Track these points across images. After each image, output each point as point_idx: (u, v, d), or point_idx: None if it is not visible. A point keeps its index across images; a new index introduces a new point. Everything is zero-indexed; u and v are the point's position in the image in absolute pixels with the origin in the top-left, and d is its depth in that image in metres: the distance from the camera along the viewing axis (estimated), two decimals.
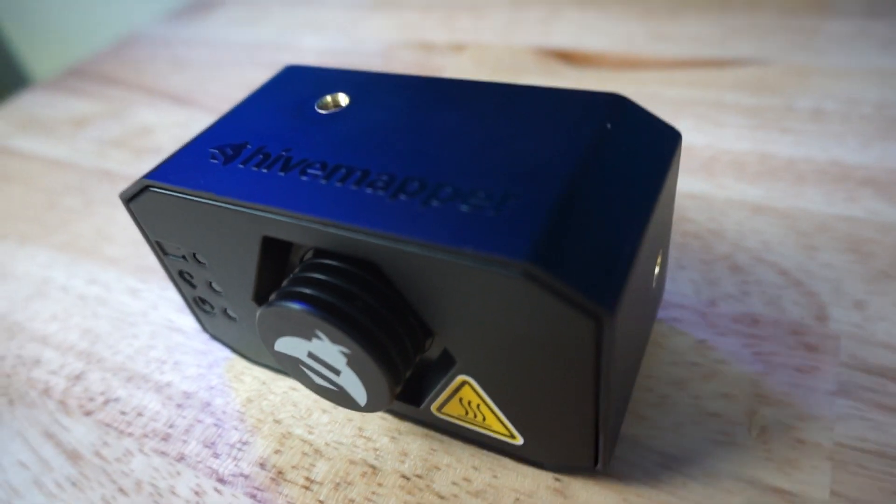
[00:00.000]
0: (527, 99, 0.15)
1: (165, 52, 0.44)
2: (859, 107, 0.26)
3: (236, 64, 0.40)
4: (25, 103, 0.41)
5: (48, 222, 0.29)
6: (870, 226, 0.21)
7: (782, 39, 0.32)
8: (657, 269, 0.16)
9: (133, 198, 0.16)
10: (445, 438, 0.17)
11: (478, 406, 0.15)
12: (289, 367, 0.15)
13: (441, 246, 0.12)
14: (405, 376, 0.14)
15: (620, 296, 0.11)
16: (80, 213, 0.29)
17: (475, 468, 0.16)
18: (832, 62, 0.30)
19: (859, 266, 0.20)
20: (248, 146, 0.15)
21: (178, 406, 0.19)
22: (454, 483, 0.16)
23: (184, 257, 0.17)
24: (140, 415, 0.19)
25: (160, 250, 0.17)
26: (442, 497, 0.16)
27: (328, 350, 0.14)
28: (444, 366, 0.15)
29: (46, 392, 0.20)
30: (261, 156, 0.15)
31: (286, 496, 0.16)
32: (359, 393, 0.15)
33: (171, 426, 0.19)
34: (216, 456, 0.18)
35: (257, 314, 0.14)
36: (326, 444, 0.17)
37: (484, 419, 0.15)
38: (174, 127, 0.35)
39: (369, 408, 0.15)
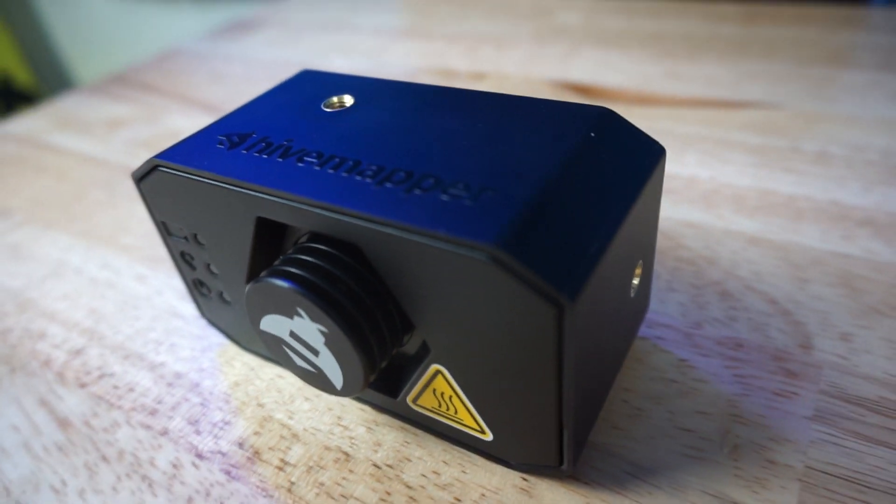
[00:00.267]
0: (519, 107, 0.16)
1: (203, 65, 0.47)
2: (865, 153, 0.27)
3: (268, 80, 0.42)
4: (68, 104, 0.43)
5: (73, 211, 0.30)
6: (864, 264, 0.21)
7: (796, 86, 0.33)
8: (636, 281, 0.16)
9: (143, 177, 0.17)
10: (420, 432, 0.17)
11: (450, 398, 0.15)
12: (273, 348, 0.16)
13: (416, 228, 0.12)
14: (381, 362, 0.15)
15: (583, 286, 0.12)
16: (103, 205, 0.30)
17: (445, 462, 0.16)
18: (842, 110, 0.30)
19: (850, 301, 0.20)
20: (254, 135, 0.16)
21: (169, 385, 0.20)
22: (423, 475, 0.16)
23: (186, 238, 0.18)
24: (131, 390, 0.20)
25: (165, 230, 0.18)
26: (410, 487, 0.16)
27: (308, 329, 0.14)
28: (421, 356, 0.15)
29: (47, 364, 0.21)
30: (263, 144, 0.16)
31: (259, 475, 0.17)
32: (335, 375, 0.15)
33: (159, 402, 0.19)
34: (198, 433, 0.18)
35: (245, 290, 0.15)
36: (304, 430, 0.18)
37: (456, 412, 0.16)
38: None
39: (346, 391, 0.15)
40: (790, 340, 0.19)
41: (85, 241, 0.28)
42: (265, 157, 0.15)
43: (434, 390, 0.16)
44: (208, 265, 0.18)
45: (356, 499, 0.16)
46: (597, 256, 0.12)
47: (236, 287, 0.18)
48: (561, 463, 0.15)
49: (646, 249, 0.16)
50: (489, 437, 0.16)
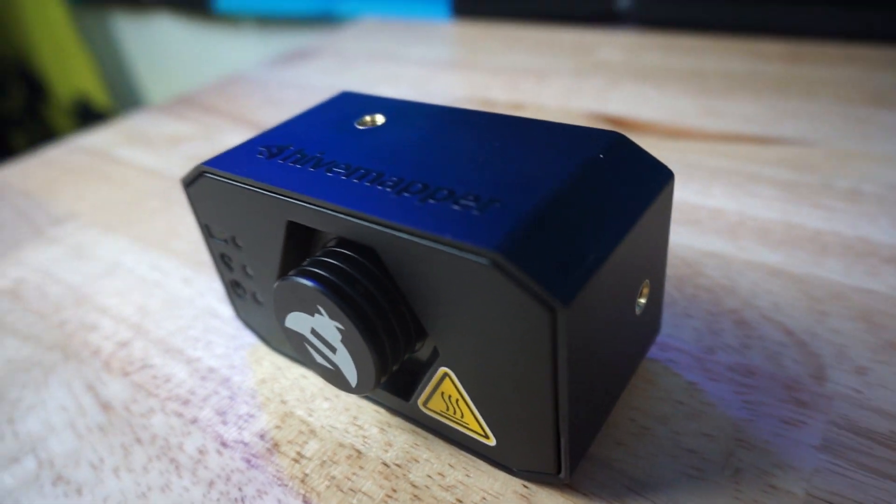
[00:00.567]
0: (536, 129, 0.17)
1: (261, 90, 0.50)
2: None
3: None
4: (135, 121, 0.46)
5: (130, 217, 0.33)
6: (887, 300, 0.21)
7: (831, 126, 0.32)
8: (643, 300, 0.17)
9: (191, 182, 0.19)
10: (429, 436, 0.18)
11: (456, 401, 0.16)
12: (297, 345, 0.17)
13: (425, 233, 0.13)
14: (392, 363, 0.16)
15: (577, 293, 0.12)
16: (158, 212, 0.33)
17: (451, 465, 0.17)
18: (878, 148, 0.30)
19: (868, 335, 0.20)
20: (291, 147, 0.18)
21: (202, 378, 0.21)
22: (429, 476, 0.17)
23: (226, 240, 0.19)
24: (168, 381, 0.21)
25: (208, 233, 0.20)
26: (415, 486, 0.17)
27: (326, 326, 0.16)
28: (432, 361, 0.16)
29: (96, 353, 0.23)
30: (298, 155, 0.17)
31: (276, 465, 0.18)
32: (350, 372, 0.16)
33: (192, 393, 0.21)
34: (224, 423, 0.19)
35: (273, 287, 0.16)
36: (322, 427, 0.19)
37: (462, 416, 0.16)
38: None
39: (360, 388, 0.16)
40: (803, 370, 0.19)
41: (139, 245, 0.30)
42: (298, 166, 0.17)
43: (442, 393, 0.16)
44: (244, 267, 0.20)
45: (364, 493, 0.17)
46: (594, 266, 0.13)
47: (268, 288, 0.19)
48: (559, 471, 0.15)
49: (654, 270, 0.17)
50: (492, 441, 0.16)
